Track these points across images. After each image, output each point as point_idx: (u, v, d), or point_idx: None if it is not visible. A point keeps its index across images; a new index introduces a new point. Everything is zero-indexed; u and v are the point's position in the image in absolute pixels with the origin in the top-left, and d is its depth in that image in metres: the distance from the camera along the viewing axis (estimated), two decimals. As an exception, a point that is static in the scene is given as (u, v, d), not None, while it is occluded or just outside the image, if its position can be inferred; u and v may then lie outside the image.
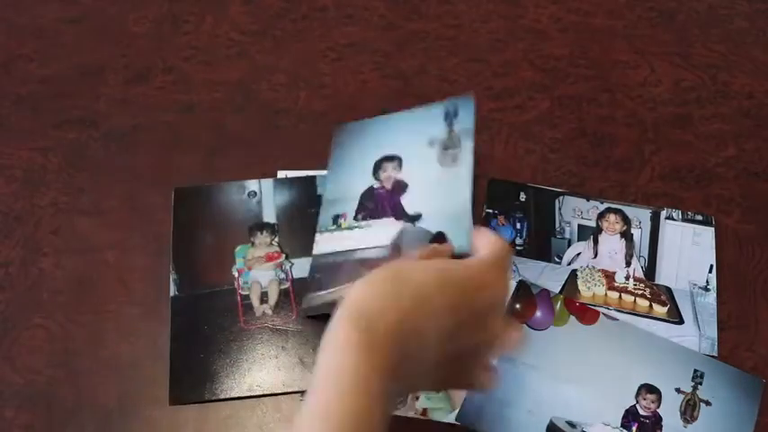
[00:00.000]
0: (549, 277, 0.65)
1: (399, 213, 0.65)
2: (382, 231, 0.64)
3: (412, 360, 0.40)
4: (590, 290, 0.65)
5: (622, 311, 0.64)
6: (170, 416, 0.59)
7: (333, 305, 0.60)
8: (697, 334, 0.62)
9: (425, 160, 0.66)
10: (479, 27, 0.82)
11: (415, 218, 0.64)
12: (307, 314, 0.62)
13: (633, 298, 0.64)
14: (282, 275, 0.65)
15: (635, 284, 0.65)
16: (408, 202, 0.65)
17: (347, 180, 0.69)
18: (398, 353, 0.39)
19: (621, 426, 0.58)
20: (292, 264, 0.65)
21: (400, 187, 0.66)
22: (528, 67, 0.79)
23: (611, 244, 0.67)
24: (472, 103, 0.67)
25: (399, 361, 0.39)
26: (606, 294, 0.65)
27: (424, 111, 0.69)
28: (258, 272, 0.65)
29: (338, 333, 0.39)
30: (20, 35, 0.80)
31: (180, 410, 0.59)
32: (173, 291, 0.63)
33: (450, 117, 0.66)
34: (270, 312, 0.63)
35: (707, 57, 0.80)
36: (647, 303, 0.64)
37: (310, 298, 0.62)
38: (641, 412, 0.59)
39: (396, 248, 0.63)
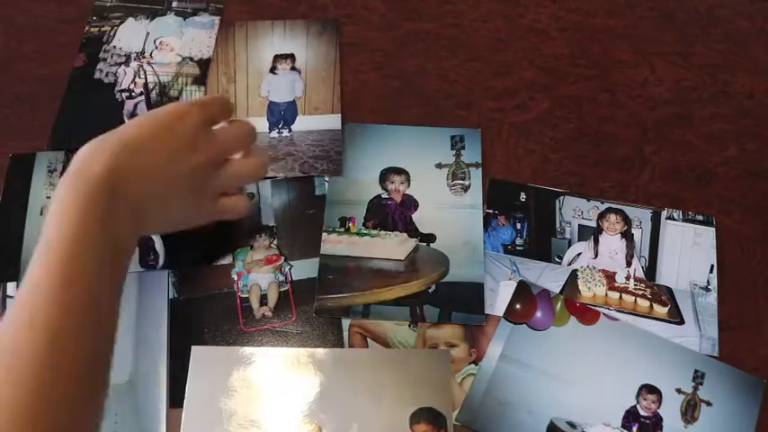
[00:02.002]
0: (549, 277, 0.65)
1: (411, 230, 0.67)
2: (395, 245, 0.65)
3: (145, 199, 0.48)
4: (590, 290, 0.64)
5: (623, 312, 0.63)
6: (170, 417, 0.59)
7: (347, 309, 0.61)
8: (698, 334, 0.62)
9: (435, 183, 0.69)
10: (479, 27, 0.81)
11: (429, 238, 0.66)
12: (319, 314, 0.62)
13: (634, 298, 0.64)
14: (282, 278, 0.65)
15: (635, 285, 0.65)
16: (419, 220, 0.67)
17: (352, 183, 0.69)
18: (120, 195, 0.46)
19: (622, 426, 0.58)
20: (291, 266, 0.65)
21: (411, 203, 0.68)
22: (528, 67, 0.78)
23: (612, 244, 0.67)
24: (479, 136, 0.72)
25: (127, 203, 0.47)
26: (607, 294, 0.64)
27: (429, 132, 0.73)
28: (257, 275, 0.64)
29: (61, 194, 0.45)
30: (19, 35, 0.80)
31: (180, 412, 0.59)
32: (171, 294, 0.63)
33: (456, 145, 0.70)
34: (270, 315, 0.63)
35: (707, 56, 0.80)
36: (647, 303, 0.64)
37: (325, 299, 0.63)
38: (642, 413, 0.59)
39: (412, 265, 0.64)
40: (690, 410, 0.59)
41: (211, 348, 0.61)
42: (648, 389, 0.60)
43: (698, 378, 0.60)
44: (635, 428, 0.58)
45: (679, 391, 0.60)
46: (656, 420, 0.59)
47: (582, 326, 0.62)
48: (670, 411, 0.59)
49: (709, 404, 0.59)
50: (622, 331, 0.62)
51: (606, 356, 0.61)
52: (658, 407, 0.59)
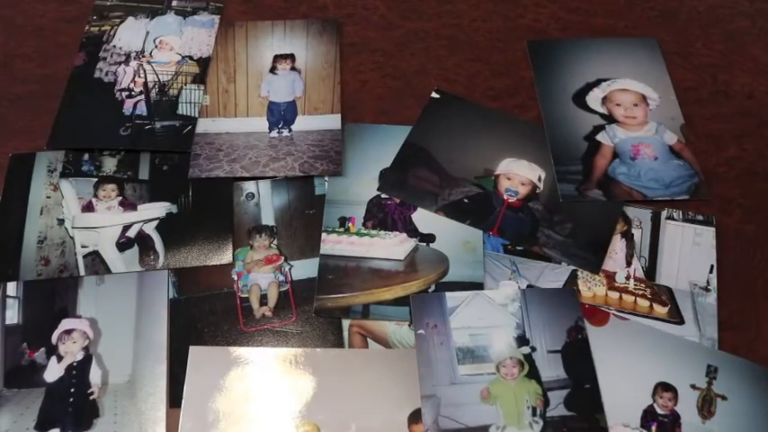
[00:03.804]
0: (549, 277, 0.65)
1: (411, 230, 0.67)
2: (395, 245, 0.65)
3: None
4: (590, 290, 0.64)
5: (623, 312, 0.63)
6: (170, 417, 0.58)
7: (347, 309, 0.61)
8: (697, 334, 0.62)
9: None
10: (479, 27, 0.81)
11: (429, 238, 0.65)
12: (319, 314, 0.62)
13: (634, 298, 0.64)
14: (282, 278, 0.64)
15: (635, 284, 0.65)
16: (419, 220, 0.67)
17: (352, 184, 0.69)
18: None
19: (641, 426, 0.58)
20: (291, 266, 0.65)
21: (410, 203, 0.68)
22: (528, 67, 0.78)
23: (612, 244, 0.67)
24: None
25: None
26: (607, 294, 0.64)
27: None
28: (257, 275, 0.64)
29: None
30: (19, 35, 0.80)
31: (180, 411, 0.59)
32: (171, 293, 0.63)
33: None
34: (269, 314, 0.63)
35: (707, 56, 0.80)
36: (647, 303, 0.64)
37: (325, 299, 0.63)
38: (659, 411, 0.58)
39: (411, 265, 0.64)
40: (706, 406, 0.59)
41: (209, 348, 0.61)
42: (664, 387, 0.59)
43: (711, 373, 0.60)
44: (654, 427, 0.58)
45: (694, 386, 0.59)
46: (674, 418, 0.58)
47: (593, 328, 0.62)
48: (687, 408, 0.58)
49: (724, 398, 0.59)
50: (633, 331, 0.62)
51: (619, 357, 0.60)
52: (675, 404, 0.59)
